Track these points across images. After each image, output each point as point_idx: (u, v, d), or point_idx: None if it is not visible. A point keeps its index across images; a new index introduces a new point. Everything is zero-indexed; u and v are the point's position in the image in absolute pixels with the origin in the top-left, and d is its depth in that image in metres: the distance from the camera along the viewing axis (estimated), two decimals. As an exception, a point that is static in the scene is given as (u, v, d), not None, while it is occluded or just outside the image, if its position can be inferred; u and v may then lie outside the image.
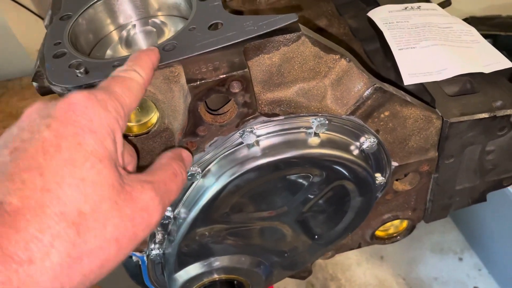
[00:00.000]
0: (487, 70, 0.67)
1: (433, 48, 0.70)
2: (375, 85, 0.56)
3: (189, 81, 0.49)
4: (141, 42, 0.63)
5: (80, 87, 0.50)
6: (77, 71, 0.50)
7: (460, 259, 1.93)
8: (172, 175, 0.46)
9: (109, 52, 0.63)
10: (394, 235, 0.82)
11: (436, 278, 1.88)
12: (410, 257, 1.95)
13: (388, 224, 0.79)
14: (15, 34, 1.87)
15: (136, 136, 0.55)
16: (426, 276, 1.88)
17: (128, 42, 0.63)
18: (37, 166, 0.35)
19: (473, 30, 0.74)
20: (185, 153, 0.51)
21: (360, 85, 0.56)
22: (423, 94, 0.66)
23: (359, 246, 0.81)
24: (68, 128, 0.37)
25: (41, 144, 0.36)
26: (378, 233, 0.80)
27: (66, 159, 0.36)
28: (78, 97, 0.39)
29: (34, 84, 0.59)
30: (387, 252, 1.97)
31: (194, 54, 0.49)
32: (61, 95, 0.52)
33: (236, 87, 0.50)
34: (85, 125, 0.38)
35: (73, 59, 0.54)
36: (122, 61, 0.51)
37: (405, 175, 0.71)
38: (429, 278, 1.88)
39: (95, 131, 0.38)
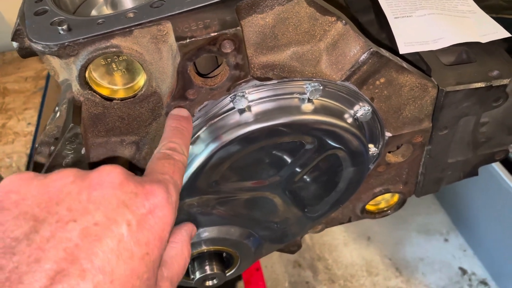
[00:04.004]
0: (484, 39, 0.65)
1: (429, 17, 0.68)
2: (371, 49, 0.54)
3: (178, 39, 0.46)
4: (127, 2, 0.60)
5: (63, 45, 0.47)
6: (59, 28, 0.48)
7: (446, 240, 1.95)
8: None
9: (93, 13, 0.60)
10: (385, 209, 0.81)
11: (422, 258, 1.90)
12: (397, 238, 1.97)
13: (379, 198, 0.79)
14: (-3, 7, 1.81)
15: (122, 100, 0.53)
16: (412, 257, 1.90)
17: (113, 3, 0.60)
18: (102, 267, 0.35)
19: (469, 0, 0.73)
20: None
21: (356, 49, 0.54)
22: (419, 63, 0.64)
23: (350, 220, 0.80)
24: (143, 234, 0.38)
25: (116, 243, 0.36)
26: (369, 207, 0.80)
27: (132, 268, 0.36)
28: (161, 201, 0.40)
29: (14, 44, 0.56)
30: (374, 232, 1.98)
31: (183, 10, 0.46)
32: (42, 53, 0.49)
33: (228, 47, 0.48)
34: (157, 234, 0.39)
35: (55, 16, 0.51)
36: (106, 18, 0.49)
37: (398, 147, 0.69)
38: (415, 259, 1.90)
39: (162, 239, 0.40)
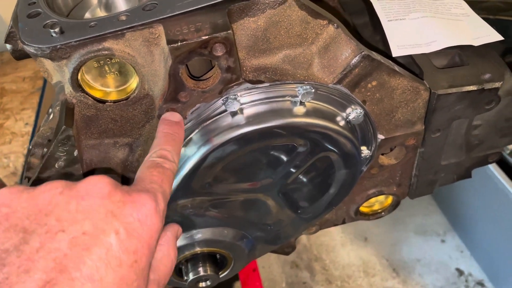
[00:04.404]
0: (476, 43, 0.66)
1: (422, 20, 0.68)
2: (363, 53, 0.54)
3: (169, 42, 0.47)
4: (121, 5, 0.60)
5: (55, 47, 0.47)
6: (52, 30, 0.48)
7: (443, 241, 1.95)
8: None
9: (87, 15, 0.60)
10: (379, 211, 0.81)
11: (419, 259, 1.90)
12: (394, 238, 1.97)
13: (373, 200, 0.79)
14: (-5, 7, 1.81)
15: (115, 102, 0.53)
16: (409, 258, 1.91)
17: (107, 5, 0.60)
18: (90, 275, 0.35)
19: (463, 3, 0.73)
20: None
21: (348, 52, 0.54)
22: (411, 66, 0.64)
23: (344, 222, 0.80)
24: (132, 242, 0.38)
25: (104, 252, 0.36)
26: (363, 209, 0.80)
27: (121, 276, 0.37)
28: (149, 209, 0.40)
29: (8, 46, 0.56)
30: (371, 233, 1.99)
31: (175, 13, 0.47)
32: (34, 55, 0.49)
33: (219, 50, 0.48)
34: (145, 242, 0.39)
35: (48, 19, 0.51)
36: (99, 21, 0.49)
37: (391, 149, 0.70)
38: (412, 260, 1.90)
39: (151, 246, 0.40)
